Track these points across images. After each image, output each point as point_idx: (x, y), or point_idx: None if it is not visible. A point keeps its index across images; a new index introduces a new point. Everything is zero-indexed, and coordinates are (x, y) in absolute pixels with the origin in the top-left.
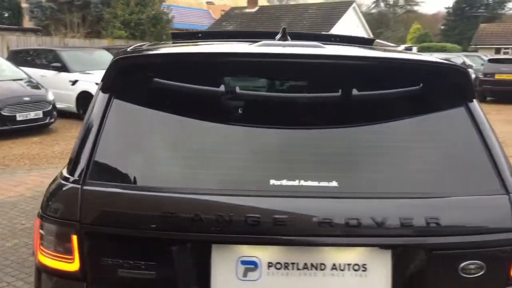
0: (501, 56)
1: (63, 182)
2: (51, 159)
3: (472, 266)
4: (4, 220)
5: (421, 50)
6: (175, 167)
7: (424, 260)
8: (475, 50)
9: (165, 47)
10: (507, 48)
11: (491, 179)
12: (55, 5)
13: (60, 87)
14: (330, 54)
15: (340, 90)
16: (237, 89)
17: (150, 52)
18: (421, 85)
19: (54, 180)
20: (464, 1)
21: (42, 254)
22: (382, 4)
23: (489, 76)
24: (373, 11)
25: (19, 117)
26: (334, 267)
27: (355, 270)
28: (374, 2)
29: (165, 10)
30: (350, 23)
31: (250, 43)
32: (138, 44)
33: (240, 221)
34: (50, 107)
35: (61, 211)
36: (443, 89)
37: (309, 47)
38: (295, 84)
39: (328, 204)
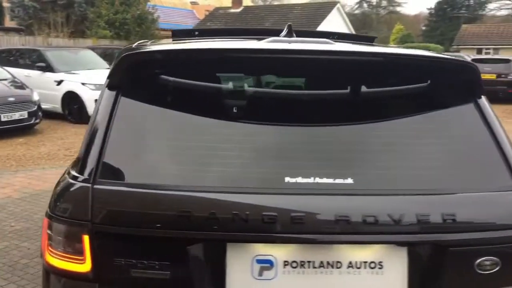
0: (484, 56)
1: (72, 181)
2: (38, 160)
3: (487, 262)
4: None
5: None
6: (188, 165)
7: (440, 257)
8: (457, 51)
9: (171, 44)
10: (489, 49)
11: (504, 175)
12: (38, 4)
13: (45, 87)
14: (347, 51)
15: (353, 87)
16: (251, 86)
17: (160, 48)
18: (431, 81)
19: (61, 180)
20: (446, 2)
21: (50, 255)
22: (365, 5)
23: None
24: (357, 11)
25: (4, 117)
26: (350, 265)
27: (372, 268)
28: (357, 3)
29: (150, 10)
30: (334, 24)
31: (258, 39)
32: (141, 41)
33: (256, 220)
34: (35, 108)
35: (71, 211)
36: (453, 86)
37: (319, 43)
38: (309, 81)
39: (344, 202)
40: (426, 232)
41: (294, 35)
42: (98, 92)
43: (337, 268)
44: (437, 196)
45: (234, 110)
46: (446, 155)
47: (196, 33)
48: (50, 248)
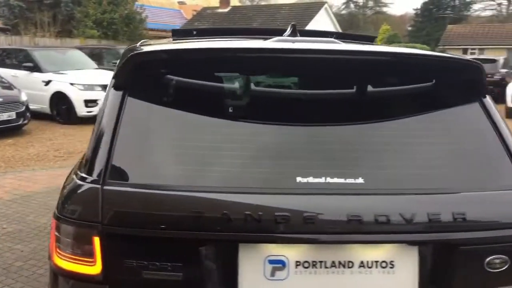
0: (470, 56)
1: (80, 182)
2: (27, 161)
3: (497, 261)
4: None
5: None
6: (199, 165)
7: (450, 255)
8: (443, 51)
9: (175, 43)
10: (474, 49)
11: (511, 173)
12: (24, 4)
13: (32, 88)
14: (357, 50)
15: (363, 86)
16: (262, 86)
17: (168, 48)
18: (438, 80)
19: (68, 181)
20: (432, 3)
21: (59, 256)
22: (352, 5)
23: None
24: (343, 12)
25: None
26: (362, 265)
27: (383, 267)
28: (344, 3)
29: (138, 9)
30: (322, 24)
31: (264, 39)
32: (143, 41)
33: (268, 220)
34: (23, 108)
35: (80, 212)
36: (459, 85)
37: (326, 43)
38: (320, 80)
39: (356, 201)
40: (437, 231)
41: (298, 34)
42: (87, 93)
43: (349, 268)
44: (447, 195)
45: (244, 110)
46: (455, 154)
47: (195, 32)
48: (58, 250)
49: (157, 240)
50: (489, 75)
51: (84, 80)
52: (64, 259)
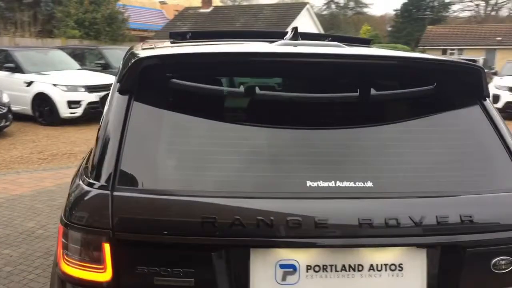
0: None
1: (88, 188)
2: (10, 164)
3: (503, 262)
4: None
5: None
6: (210, 170)
7: (458, 257)
8: (423, 51)
9: (178, 47)
10: (453, 49)
11: None
12: (3, 3)
13: (14, 89)
14: (366, 54)
15: (370, 90)
16: (271, 90)
17: (174, 52)
18: (441, 84)
19: (74, 186)
20: (411, 4)
21: (66, 264)
22: (333, 6)
23: None
24: (325, 12)
25: None
26: (371, 268)
27: (392, 270)
28: (325, 4)
29: (120, 9)
30: (304, 24)
31: (268, 42)
32: (144, 44)
33: (280, 225)
34: (5, 110)
35: (90, 219)
36: (461, 88)
37: (331, 46)
38: (327, 84)
39: (366, 205)
40: (445, 233)
41: (300, 38)
42: (70, 94)
43: (359, 271)
44: (454, 197)
45: (253, 114)
46: (460, 157)
47: (189, 35)
48: (66, 257)
49: (169, 246)
50: None
51: (67, 81)
52: (72, 266)
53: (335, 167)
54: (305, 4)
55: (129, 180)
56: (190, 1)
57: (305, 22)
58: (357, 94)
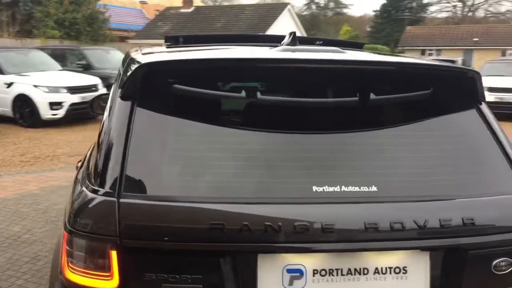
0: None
1: (93, 195)
2: None
3: (503, 263)
4: None
5: None
6: (216, 176)
7: (460, 260)
8: (402, 52)
9: (178, 51)
10: (432, 50)
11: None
12: None
13: None
14: (370, 60)
15: (374, 95)
16: (274, 95)
17: (178, 58)
18: (439, 89)
19: (77, 193)
20: (390, 5)
21: (71, 271)
22: (313, 7)
23: None
24: (305, 13)
25: None
26: (376, 271)
27: (396, 273)
28: (305, 4)
29: (101, 9)
30: (285, 24)
31: (269, 47)
32: (144, 48)
33: (287, 230)
34: None
35: (96, 226)
36: (458, 92)
37: (331, 52)
38: (330, 89)
39: (371, 209)
40: (448, 236)
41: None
42: (52, 95)
43: (364, 274)
44: (456, 201)
45: (259, 119)
46: (460, 161)
47: (181, 39)
48: (70, 265)
49: (177, 252)
50: None
51: (48, 82)
52: (77, 274)
53: (340, 172)
54: (286, 4)
55: (135, 187)
56: (171, 1)
57: (286, 23)
58: (361, 99)
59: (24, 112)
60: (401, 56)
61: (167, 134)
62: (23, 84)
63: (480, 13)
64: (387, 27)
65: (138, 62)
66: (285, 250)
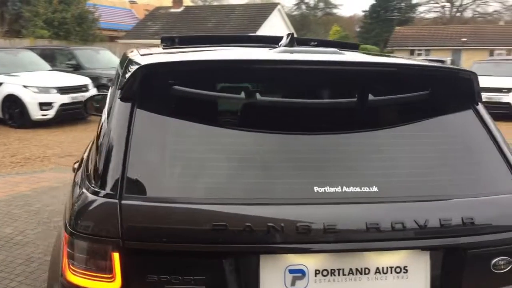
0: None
1: (94, 196)
2: None
3: (502, 262)
4: None
5: None
6: (217, 177)
7: (460, 259)
8: (391, 52)
9: (176, 53)
10: (421, 50)
11: (509, 178)
12: None
13: None
14: (371, 62)
15: (373, 95)
16: (274, 96)
17: (178, 60)
18: (437, 89)
19: (77, 195)
20: (379, 5)
21: (72, 273)
22: (303, 7)
23: None
24: (295, 13)
25: None
26: (377, 271)
27: (397, 273)
28: (295, 5)
29: (90, 9)
30: (276, 25)
31: (268, 48)
32: (142, 50)
33: (290, 230)
34: None
35: (98, 228)
36: (456, 93)
37: (330, 53)
38: (330, 90)
39: (372, 209)
40: (447, 236)
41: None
42: (42, 95)
43: (365, 274)
44: (456, 200)
45: (260, 121)
46: (459, 161)
47: (177, 40)
48: (72, 266)
49: (180, 253)
50: None
51: (38, 82)
52: (79, 276)
53: (341, 172)
54: (276, 4)
55: (137, 188)
56: (160, 0)
57: (276, 23)
58: (361, 100)
59: (13, 112)
60: (393, 56)
61: (167, 135)
62: (13, 85)
63: (468, 14)
64: (377, 27)
65: (137, 63)
66: (287, 251)
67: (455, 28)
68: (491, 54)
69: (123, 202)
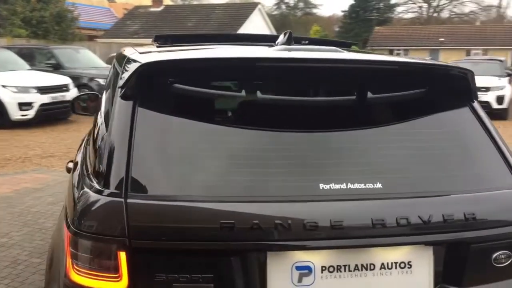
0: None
1: (97, 195)
2: None
3: (502, 256)
4: None
5: None
6: (223, 175)
7: (462, 253)
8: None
9: (176, 51)
10: (399, 50)
11: (507, 174)
12: None
13: None
14: (374, 59)
15: (374, 93)
16: (277, 94)
17: (180, 57)
18: (437, 87)
19: (80, 194)
20: (358, 5)
21: (77, 273)
22: (283, 6)
23: None
24: (275, 12)
25: None
26: (382, 266)
27: (402, 268)
28: (275, 4)
29: (69, 8)
30: (257, 24)
31: (267, 47)
32: (136, 48)
33: (297, 227)
34: None
35: (103, 227)
36: (453, 91)
37: (330, 51)
38: (331, 88)
39: (377, 205)
40: (450, 231)
41: (293, 42)
42: (21, 95)
43: (371, 270)
44: (457, 196)
45: (265, 118)
46: (459, 157)
47: (171, 39)
48: (76, 266)
49: (188, 252)
50: None
51: (17, 82)
52: (83, 276)
53: (345, 169)
54: (256, 4)
55: (141, 187)
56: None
57: (257, 22)
58: (364, 97)
59: None
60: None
61: (171, 133)
62: None
63: (445, 14)
64: (356, 27)
65: (138, 61)
66: (294, 248)
67: (432, 29)
68: (468, 53)
69: (129, 200)
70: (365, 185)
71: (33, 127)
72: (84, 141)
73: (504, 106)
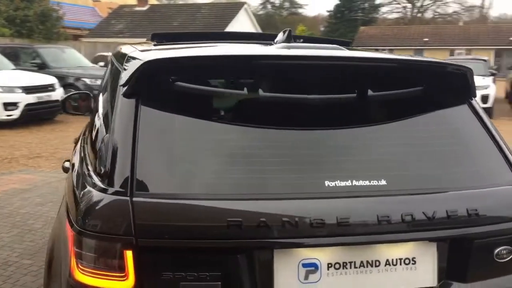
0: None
1: (102, 194)
2: None
3: (504, 251)
4: None
5: None
6: (229, 173)
7: (465, 249)
8: None
9: (177, 49)
10: (384, 50)
11: (507, 170)
12: None
13: None
14: (377, 57)
15: (377, 91)
16: (281, 92)
17: (183, 55)
18: (438, 84)
19: (83, 193)
20: (343, 5)
21: (82, 273)
22: (269, 6)
23: None
24: (261, 12)
25: None
26: (387, 263)
27: (406, 264)
28: (261, 4)
29: (54, 7)
30: (243, 24)
31: (267, 45)
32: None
33: (303, 225)
34: None
35: (109, 226)
36: (453, 88)
37: (331, 49)
38: (335, 85)
39: (382, 202)
40: (454, 227)
41: (293, 40)
42: (6, 95)
43: (376, 266)
44: (460, 192)
45: (270, 116)
46: (461, 154)
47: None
48: (80, 266)
49: (195, 250)
50: None
51: (2, 81)
52: (89, 275)
53: (350, 166)
54: (242, 4)
55: (147, 185)
56: None
57: (243, 22)
58: (368, 95)
59: None
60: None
61: (176, 131)
62: None
63: (429, 14)
64: (341, 27)
65: (140, 59)
66: (300, 245)
67: (417, 29)
68: (452, 53)
69: (135, 199)
70: (369, 182)
71: (18, 127)
72: (81, 140)
73: (489, 105)
